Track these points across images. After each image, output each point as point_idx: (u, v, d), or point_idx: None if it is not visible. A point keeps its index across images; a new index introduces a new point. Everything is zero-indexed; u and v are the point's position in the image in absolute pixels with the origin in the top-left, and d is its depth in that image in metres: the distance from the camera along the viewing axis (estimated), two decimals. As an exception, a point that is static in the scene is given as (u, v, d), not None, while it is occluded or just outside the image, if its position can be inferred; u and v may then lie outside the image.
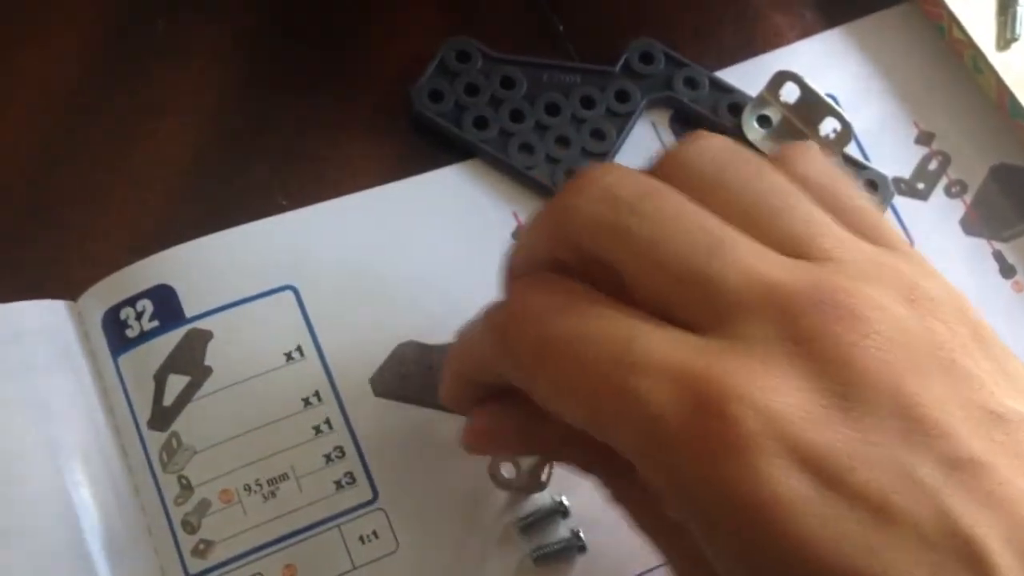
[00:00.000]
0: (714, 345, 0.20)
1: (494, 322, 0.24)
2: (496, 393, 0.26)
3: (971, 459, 0.19)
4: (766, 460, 0.18)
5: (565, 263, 0.23)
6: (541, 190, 0.35)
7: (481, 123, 0.36)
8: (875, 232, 0.23)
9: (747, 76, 0.37)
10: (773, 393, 0.19)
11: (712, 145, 0.23)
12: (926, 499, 0.18)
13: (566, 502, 0.31)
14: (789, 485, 0.18)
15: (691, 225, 0.22)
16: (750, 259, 0.21)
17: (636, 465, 0.21)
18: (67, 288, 0.33)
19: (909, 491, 0.18)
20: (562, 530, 0.31)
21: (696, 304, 0.21)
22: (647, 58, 0.37)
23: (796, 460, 0.19)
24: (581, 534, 0.30)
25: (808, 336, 0.20)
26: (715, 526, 0.19)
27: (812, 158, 0.24)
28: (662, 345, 0.20)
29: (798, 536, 0.18)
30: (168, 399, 0.31)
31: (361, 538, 0.30)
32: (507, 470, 0.30)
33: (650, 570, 0.30)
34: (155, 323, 0.32)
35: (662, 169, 0.24)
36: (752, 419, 0.19)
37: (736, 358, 0.20)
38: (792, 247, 0.22)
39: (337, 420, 0.31)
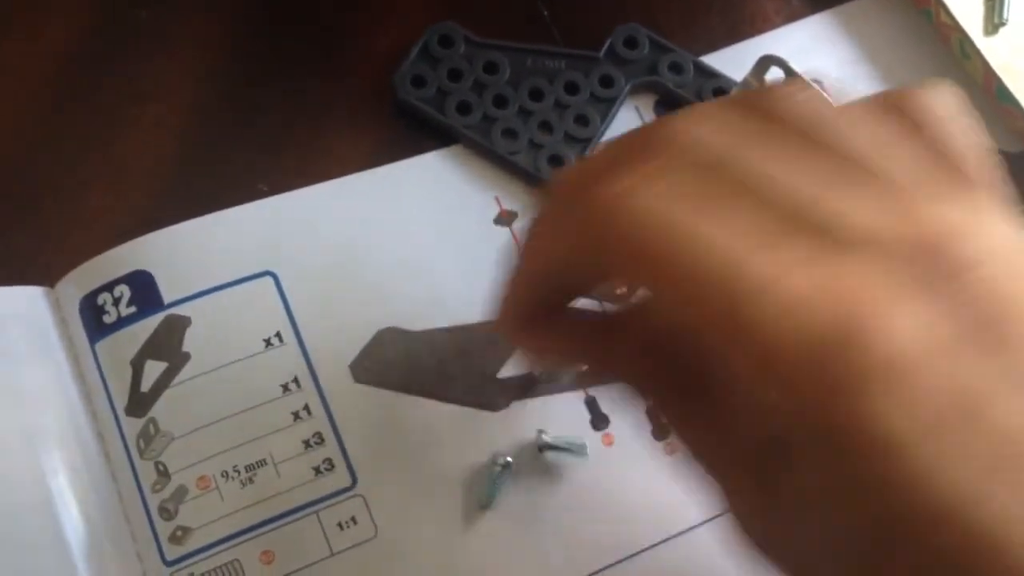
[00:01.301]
0: (850, 268, 0.19)
1: (598, 196, 0.20)
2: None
3: None
4: (889, 393, 0.18)
5: None
6: (524, 176, 0.35)
7: (464, 108, 0.36)
8: (970, 176, 0.22)
9: (733, 61, 0.37)
10: (907, 322, 0.18)
11: (811, 97, 0.22)
12: None
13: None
14: (909, 422, 0.18)
15: (808, 165, 0.21)
16: (871, 202, 0.20)
17: (739, 373, 0.20)
18: (45, 274, 0.33)
19: None
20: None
21: (816, 235, 0.20)
22: (631, 43, 0.37)
23: (922, 395, 0.18)
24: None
25: (935, 277, 0.19)
26: (817, 453, 0.19)
27: (928, 104, 0.23)
28: (797, 262, 0.19)
29: (912, 473, 0.18)
30: (146, 385, 0.31)
31: (339, 524, 0.30)
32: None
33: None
34: (132, 309, 0.32)
35: (764, 114, 0.22)
36: (883, 349, 0.18)
37: (872, 284, 0.19)
38: (896, 197, 0.21)
39: (316, 406, 0.31)
